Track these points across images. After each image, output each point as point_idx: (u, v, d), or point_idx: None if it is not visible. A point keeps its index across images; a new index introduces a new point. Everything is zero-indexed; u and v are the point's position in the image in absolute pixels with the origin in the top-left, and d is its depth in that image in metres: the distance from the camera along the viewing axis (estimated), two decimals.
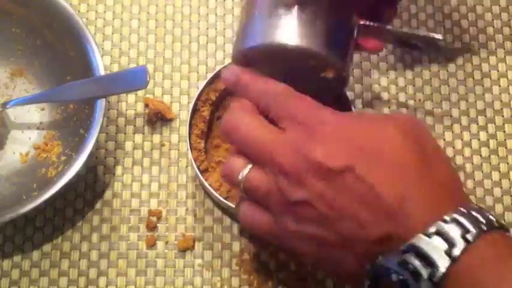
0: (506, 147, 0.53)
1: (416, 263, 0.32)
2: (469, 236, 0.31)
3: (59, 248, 0.49)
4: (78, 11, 0.55)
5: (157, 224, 0.50)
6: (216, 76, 0.49)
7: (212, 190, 0.46)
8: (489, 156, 0.53)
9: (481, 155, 0.53)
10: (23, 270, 0.48)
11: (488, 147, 0.53)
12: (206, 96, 0.49)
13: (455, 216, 0.32)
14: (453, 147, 0.53)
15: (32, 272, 0.48)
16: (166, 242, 0.49)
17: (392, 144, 0.35)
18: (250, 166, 0.37)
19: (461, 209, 0.33)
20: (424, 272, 0.31)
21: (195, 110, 0.48)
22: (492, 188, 0.52)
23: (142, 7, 0.56)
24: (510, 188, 0.52)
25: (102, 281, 0.48)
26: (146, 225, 0.49)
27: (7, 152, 0.50)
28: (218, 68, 0.51)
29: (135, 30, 0.55)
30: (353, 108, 0.48)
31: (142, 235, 0.49)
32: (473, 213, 0.33)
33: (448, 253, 0.31)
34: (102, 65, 0.48)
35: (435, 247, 0.31)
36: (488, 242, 0.32)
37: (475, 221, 0.32)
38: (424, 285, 0.31)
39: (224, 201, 0.46)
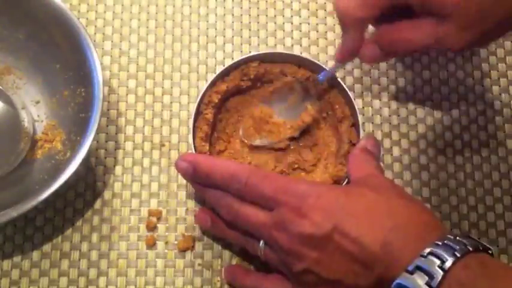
0: (506, 147, 0.53)
1: None
2: (446, 265, 0.35)
3: (59, 248, 0.49)
4: (78, 11, 0.55)
5: (157, 224, 0.50)
6: (218, 78, 0.49)
7: None
8: (489, 156, 0.53)
9: (480, 155, 0.53)
10: (23, 270, 0.48)
11: (488, 148, 0.53)
12: (209, 98, 0.48)
13: (432, 249, 0.36)
14: (453, 148, 0.53)
15: (32, 272, 0.48)
16: (166, 242, 0.49)
17: (366, 200, 0.40)
18: (263, 242, 0.43)
19: (437, 241, 0.37)
20: None
21: (198, 113, 0.48)
22: (492, 188, 0.52)
23: (142, 7, 0.56)
24: (510, 188, 0.52)
25: (102, 281, 0.48)
26: (146, 225, 0.49)
27: (14, 152, 0.50)
28: (219, 68, 0.51)
29: (135, 30, 0.55)
30: (346, 89, 0.48)
31: (142, 235, 0.49)
32: (448, 242, 0.36)
33: (429, 284, 0.35)
34: (95, 50, 0.47)
35: (417, 281, 0.35)
36: (464, 267, 0.36)
37: (449, 250, 0.36)
38: None
39: None
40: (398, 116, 0.54)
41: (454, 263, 0.35)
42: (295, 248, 0.40)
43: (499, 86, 0.55)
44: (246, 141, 0.50)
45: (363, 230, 0.39)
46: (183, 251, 0.49)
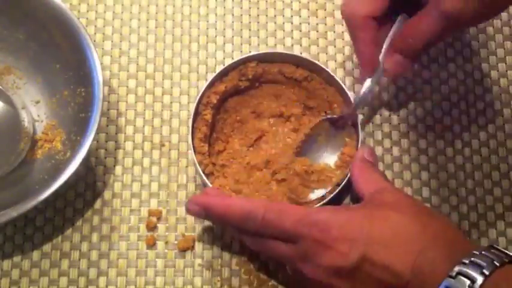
0: (506, 147, 0.53)
1: None
2: (476, 285, 0.35)
3: (59, 248, 0.49)
4: (78, 11, 0.55)
5: (157, 224, 0.50)
6: (216, 79, 0.49)
7: None
8: (489, 156, 0.53)
9: (481, 155, 0.53)
10: (23, 270, 0.48)
11: (488, 147, 0.53)
12: (207, 99, 0.49)
13: (461, 269, 0.36)
14: (453, 147, 0.53)
15: (32, 272, 0.48)
16: (166, 242, 0.49)
17: (391, 223, 0.40)
18: None
19: (464, 260, 0.36)
20: None
21: (196, 114, 0.48)
22: (492, 188, 0.52)
23: (142, 7, 0.56)
24: (510, 188, 0.52)
25: (102, 281, 0.48)
26: (146, 225, 0.49)
27: (14, 152, 0.50)
28: (218, 68, 0.51)
29: (135, 30, 0.55)
30: (345, 87, 0.48)
31: (142, 235, 0.49)
32: (475, 260, 0.36)
33: None
34: (95, 50, 0.47)
35: None
36: (493, 285, 0.35)
37: (477, 268, 0.36)
38: None
39: None
40: (398, 116, 0.54)
41: (483, 283, 0.35)
42: (324, 280, 0.40)
43: (499, 86, 0.55)
44: (298, 199, 0.48)
45: (392, 257, 0.38)
46: (183, 251, 0.49)
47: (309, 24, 0.56)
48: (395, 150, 0.53)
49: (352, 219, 0.40)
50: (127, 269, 0.48)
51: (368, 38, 0.43)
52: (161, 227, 0.50)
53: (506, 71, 0.55)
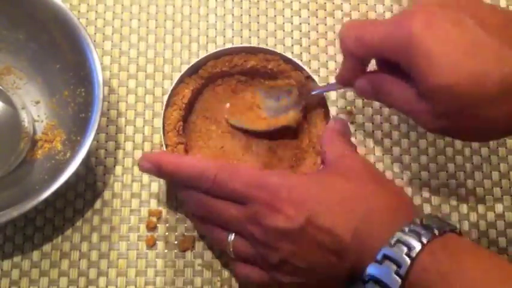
0: (506, 147, 0.53)
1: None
2: (413, 252, 0.36)
3: (59, 248, 0.49)
4: (78, 11, 0.55)
5: (157, 224, 0.50)
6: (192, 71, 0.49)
7: None
8: (489, 156, 0.53)
9: (481, 155, 0.53)
10: (23, 270, 0.48)
11: (488, 147, 0.53)
12: (179, 93, 0.49)
13: (400, 237, 0.37)
14: (453, 147, 0.53)
15: (32, 272, 0.48)
16: (166, 242, 0.49)
17: (338, 189, 0.41)
18: (233, 234, 0.43)
19: (404, 227, 0.38)
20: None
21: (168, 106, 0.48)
22: (492, 187, 0.52)
23: (142, 7, 0.56)
24: (510, 188, 0.52)
25: (102, 281, 0.48)
26: (146, 225, 0.49)
27: (14, 152, 0.50)
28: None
29: (135, 30, 0.55)
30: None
31: (142, 235, 0.49)
32: (414, 228, 0.38)
33: (398, 273, 0.36)
34: (95, 50, 0.47)
35: (386, 271, 0.37)
36: (429, 253, 0.37)
37: (416, 236, 0.37)
38: None
39: None
40: (399, 116, 0.54)
41: (420, 250, 0.36)
42: (271, 241, 0.40)
43: None
44: (226, 116, 0.51)
45: (335, 220, 0.39)
46: (183, 251, 0.49)
47: (309, 24, 0.56)
48: (396, 150, 0.53)
49: (301, 184, 0.41)
50: (127, 269, 0.48)
51: (350, 68, 0.43)
52: (161, 227, 0.50)
53: None
